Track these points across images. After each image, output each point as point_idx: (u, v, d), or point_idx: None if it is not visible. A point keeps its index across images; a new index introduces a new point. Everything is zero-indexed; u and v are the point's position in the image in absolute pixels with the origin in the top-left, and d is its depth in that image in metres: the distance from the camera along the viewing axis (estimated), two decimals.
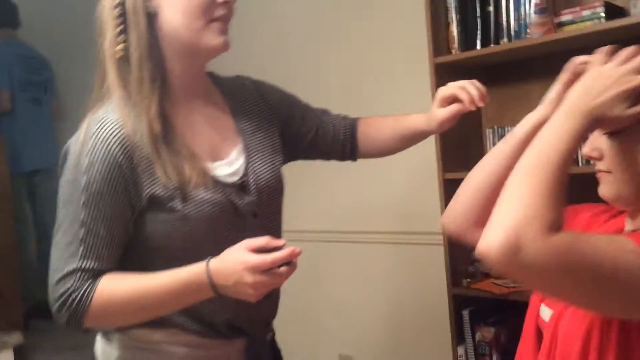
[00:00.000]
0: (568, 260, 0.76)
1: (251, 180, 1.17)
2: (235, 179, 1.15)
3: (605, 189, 0.99)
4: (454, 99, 1.25)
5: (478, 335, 2.05)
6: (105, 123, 1.05)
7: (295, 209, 2.83)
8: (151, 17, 1.08)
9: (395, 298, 2.60)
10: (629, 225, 1.00)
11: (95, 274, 1.04)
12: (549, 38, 1.88)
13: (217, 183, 1.11)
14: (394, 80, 2.51)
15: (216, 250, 1.03)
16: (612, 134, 0.95)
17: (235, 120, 1.22)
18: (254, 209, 1.16)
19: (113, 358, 1.15)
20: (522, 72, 2.16)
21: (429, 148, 2.15)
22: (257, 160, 1.20)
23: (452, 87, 1.24)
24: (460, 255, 2.14)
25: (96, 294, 1.03)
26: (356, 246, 2.71)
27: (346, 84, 2.68)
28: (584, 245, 0.78)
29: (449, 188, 2.11)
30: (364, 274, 2.71)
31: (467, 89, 1.21)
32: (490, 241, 0.75)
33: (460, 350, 2.09)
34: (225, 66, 1.28)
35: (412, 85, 2.39)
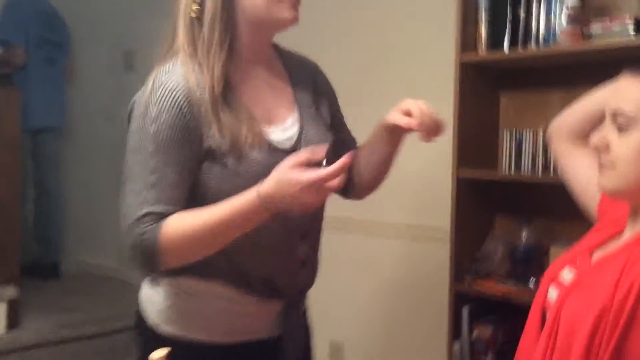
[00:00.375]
0: None
1: (302, 148, 1.19)
2: (288, 144, 1.19)
3: (605, 181, 1.01)
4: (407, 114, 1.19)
5: (475, 333, 2.08)
6: (172, 75, 1.10)
7: None
8: None
9: (395, 289, 2.62)
10: (629, 229, 1.03)
11: (163, 214, 1.08)
12: (577, 48, 1.90)
13: (270, 146, 1.15)
14: (418, 76, 2.52)
15: None
16: (621, 128, 0.97)
17: (294, 90, 1.26)
18: None
19: (156, 302, 1.21)
20: (544, 78, 2.18)
21: (445, 145, 2.17)
22: (310, 129, 1.24)
23: (413, 104, 1.18)
24: (465, 252, 2.17)
25: (164, 232, 1.06)
26: (361, 235, 2.73)
27: (369, 79, 2.69)
28: None
29: (462, 186, 2.14)
30: (366, 263, 2.73)
31: (424, 114, 1.15)
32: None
33: (456, 346, 2.12)
34: None
35: (435, 82, 2.40)
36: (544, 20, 2.01)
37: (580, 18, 1.94)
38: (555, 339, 0.98)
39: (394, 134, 1.24)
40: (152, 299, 1.23)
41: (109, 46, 4.03)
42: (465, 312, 2.10)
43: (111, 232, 4.12)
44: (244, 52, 1.17)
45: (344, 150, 1.14)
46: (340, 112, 1.42)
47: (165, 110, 1.08)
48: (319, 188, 1.01)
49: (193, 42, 1.12)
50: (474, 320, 2.09)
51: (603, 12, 2.06)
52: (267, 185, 1.04)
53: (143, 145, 1.09)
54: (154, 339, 1.18)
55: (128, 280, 3.84)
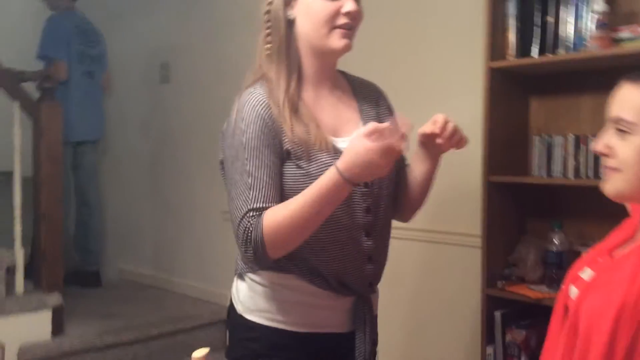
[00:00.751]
0: None
1: None
2: None
3: (611, 186, 1.05)
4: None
5: (508, 337, 2.09)
6: (253, 94, 1.33)
7: None
8: (290, 23, 1.35)
9: (428, 294, 2.64)
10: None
11: (264, 209, 1.25)
12: (607, 52, 1.91)
13: (337, 151, 1.32)
14: (448, 82, 2.55)
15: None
16: (623, 134, 1.00)
17: (359, 107, 1.45)
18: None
19: (242, 293, 1.41)
20: (574, 84, 2.19)
21: (474, 151, 2.20)
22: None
23: (439, 115, 1.37)
24: (497, 257, 2.19)
25: (265, 225, 1.23)
26: (393, 241, 2.75)
27: (400, 84, 2.72)
28: None
29: (492, 190, 2.16)
30: (397, 269, 2.75)
31: (447, 122, 1.35)
32: None
33: (489, 350, 2.13)
34: None
35: (465, 88, 2.42)
36: (573, 26, 2.03)
37: (609, 23, 1.95)
38: (576, 334, 1.01)
39: (429, 151, 1.41)
40: (240, 291, 1.42)
41: (144, 59, 4.15)
42: (498, 316, 2.12)
43: (149, 241, 4.25)
44: (310, 76, 1.39)
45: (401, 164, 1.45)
46: None
47: (252, 122, 1.29)
48: (387, 151, 1.14)
49: (269, 71, 1.36)
50: (506, 324, 2.11)
51: (632, 18, 2.07)
52: (344, 158, 1.18)
53: (238, 156, 1.29)
54: (242, 325, 1.39)
55: (165, 288, 3.95)
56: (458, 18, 2.51)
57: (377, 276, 1.46)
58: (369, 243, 1.38)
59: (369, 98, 1.49)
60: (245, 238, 1.25)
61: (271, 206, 1.26)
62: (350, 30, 1.35)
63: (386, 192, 1.42)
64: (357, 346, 1.38)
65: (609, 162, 1.05)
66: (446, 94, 2.55)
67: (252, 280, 1.40)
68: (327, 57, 1.39)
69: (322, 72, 1.40)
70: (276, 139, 1.30)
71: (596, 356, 0.96)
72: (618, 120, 1.03)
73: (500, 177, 2.15)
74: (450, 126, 1.34)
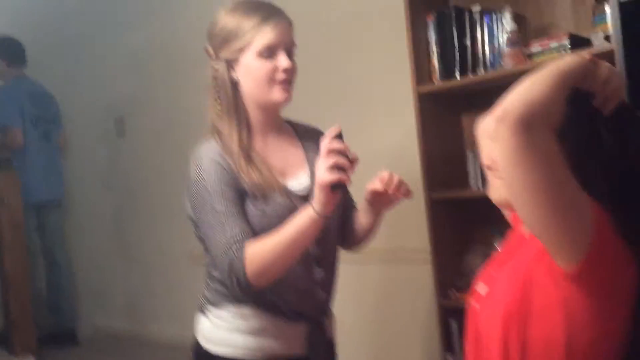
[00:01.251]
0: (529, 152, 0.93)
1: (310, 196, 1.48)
2: (303, 192, 1.49)
3: (494, 192, 1.16)
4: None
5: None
6: (208, 146, 1.47)
7: None
8: (235, 84, 1.48)
9: (385, 312, 2.73)
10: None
11: (243, 241, 1.36)
12: (520, 68, 2.05)
13: (288, 192, 1.47)
14: (383, 109, 2.69)
15: None
16: None
17: (304, 151, 1.59)
18: None
19: (205, 328, 1.51)
20: (498, 98, 2.32)
21: (415, 170, 2.32)
22: None
23: (386, 172, 1.51)
24: (447, 269, 2.29)
25: (247, 257, 1.34)
26: (345, 264, 2.85)
27: (336, 115, 2.85)
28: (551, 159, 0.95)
29: (435, 206, 2.27)
30: (353, 291, 2.84)
31: (394, 178, 1.49)
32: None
33: (450, 359, 2.23)
34: None
35: (399, 113, 2.56)
36: (489, 46, 2.18)
37: (520, 40, 2.10)
38: (481, 345, 1.11)
39: (374, 206, 1.55)
40: (202, 325, 1.52)
41: (99, 115, 4.22)
42: (454, 325, 2.22)
43: (120, 293, 4.28)
44: (258, 126, 1.52)
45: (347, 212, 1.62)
46: None
47: (212, 169, 1.42)
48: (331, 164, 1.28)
49: (221, 127, 1.49)
50: (463, 332, 2.20)
51: (541, 32, 2.23)
52: (315, 195, 1.31)
53: (205, 200, 1.40)
54: (207, 358, 1.49)
55: (141, 338, 3.97)
56: (385, 47, 2.65)
57: (329, 303, 1.58)
58: (320, 272, 1.51)
59: (312, 140, 1.60)
60: (229, 270, 1.35)
61: (247, 233, 1.37)
62: (288, 84, 1.48)
63: (334, 224, 1.54)
64: None
65: (497, 174, 1.15)
66: (382, 120, 2.68)
67: (212, 314, 1.50)
68: (270, 110, 1.52)
69: (268, 122, 1.53)
70: (234, 180, 1.42)
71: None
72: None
73: (441, 193, 2.27)
74: (395, 180, 1.48)
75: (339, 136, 1.31)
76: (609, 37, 1.83)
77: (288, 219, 1.39)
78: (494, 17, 2.16)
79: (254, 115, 1.51)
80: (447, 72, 2.27)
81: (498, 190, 1.16)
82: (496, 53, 2.16)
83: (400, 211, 2.63)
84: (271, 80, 1.45)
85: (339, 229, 1.60)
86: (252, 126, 1.51)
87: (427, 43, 2.32)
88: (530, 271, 1.04)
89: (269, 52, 1.44)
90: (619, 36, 1.66)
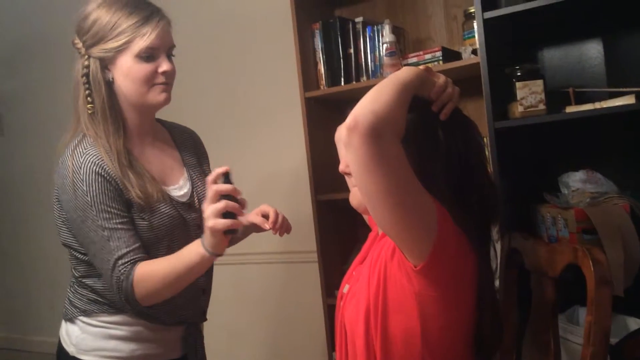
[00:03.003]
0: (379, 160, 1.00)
1: (196, 201, 1.49)
2: (185, 199, 1.49)
3: (352, 198, 1.27)
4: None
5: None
6: (87, 156, 1.37)
7: None
8: (109, 83, 1.42)
9: (277, 314, 2.79)
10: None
11: (132, 259, 1.33)
12: None
13: (172, 200, 1.45)
14: (271, 113, 2.76)
15: (170, 248, 1.39)
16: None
17: (181, 155, 1.57)
18: (199, 222, 1.46)
19: (74, 334, 1.46)
20: None
21: (303, 174, 2.40)
22: (200, 185, 1.54)
23: (269, 209, 1.57)
24: (333, 268, 2.39)
25: (136, 275, 1.32)
26: (235, 267, 2.89)
27: (226, 119, 2.88)
28: (398, 164, 1.02)
29: (322, 208, 2.36)
30: (245, 294, 2.89)
31: (277, 215, 1.55)
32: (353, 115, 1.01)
33: (335, 356, 2.31)
34: None
35: (289, 118, 2.63)
36: (370, 56, 2.31)
37: (399, 51, 2.24)
38: (346, 341, 1.20)
39: (255, 227, 1.59)
40: (71, 334, 1.47)
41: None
42: None
43: None
44: (134, 131, 1.47)
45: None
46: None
47: (93, 181, 1.34)
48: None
49: (94, 129, 1.41)
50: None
51: (418, 45, 2.39)
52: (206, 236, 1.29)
53: (86, 215, 1.33)
54: None
55: (20, 349, 3.78)
56: (275, 56, 2.73)
57: (207, 305, 1.61)
58: (203, 278, 1.49)
59: (188, 145, 1.60)
60: (117, 287, 1.32)
61: (135, 250, 1.34)
62: (167, 85, 1.45)
63: None
64: None
65: (352, 180, 1.24)
66: (273, 125, 2.75)
67: (84, 322, 1.45)
68: (148, 112, 1.48)
69: (144, 126, 1.48)
70: (118, 191, 1.36)
71: (361, 355, 1.13)
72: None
73: (327, 195, 2.36)
74: (280, 219, 1.53)
75: (227, 176, 1.28)
76: (476, 50, 2.00)
77: (173, 226, 1.40)
78: (375, 28, 2.29)
79: (130, 117, 1.45)
80: (333, 79, 2.37)
81: (356, 196, 1.24)
82: (377, 62, 2.29)
83: (291, 213, 2.73)
84: (151, 82, 1.41)
85: None
86: (128, 130, 1.45)
87: (314, 51, 2.41)
88: (386, 268, 1.12)
89: (149, 55, 1.39)
90: (483, 49, 1.82)
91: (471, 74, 1.99)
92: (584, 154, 1.99)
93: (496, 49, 1.85)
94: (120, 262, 1.32)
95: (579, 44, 2.05)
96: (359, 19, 2.33)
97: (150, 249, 1.39)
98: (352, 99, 2.44)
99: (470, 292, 1.13)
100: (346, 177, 1.29)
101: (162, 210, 1.40)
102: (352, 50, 2.34)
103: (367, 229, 2.49)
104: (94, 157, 1.36)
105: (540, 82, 1.81)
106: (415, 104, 1.11)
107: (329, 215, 2.40)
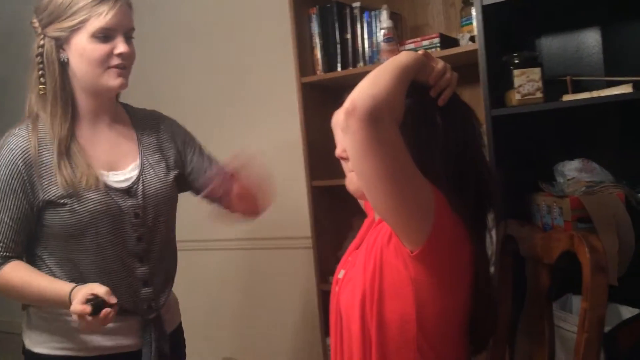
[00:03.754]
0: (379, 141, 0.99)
1: (139, 188, 1.43)
2: (124, 185, 1.42)
3: (349, 183, 1.26)
4: None
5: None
6: (16, 137, 1.35)
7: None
8: (64, 64, 1.38)
9: (274, 298, 2.80)
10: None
11: (3, 256, 1.32)
12: None
13: (106, 187, 1.39)
14: (268, 99, 2.74)
15: (97, 237, 1.36)
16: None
17: (139, 142, 1.51)
18: (137, 210, 1.42)
19: (26, 328, 1.45)
20: None
21: (298, 159, 2.40)
22: (149, 173, 1.48)
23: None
24: (327, 255, 2.39)
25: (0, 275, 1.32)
26: (228, 253, 2.89)
27: (223, 105, 2.87)
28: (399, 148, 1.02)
29: (317, 194, 2.35)
30: (237, 280, 2.89)
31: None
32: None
33: (329, 341, 2.31)
34: None
35: (285, 104, 2.62)
36: (368, 41, 2.29)
37: (396, 37, 2.23)
38: (342, 325, 1.19)
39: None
40: (27, 324, 1.45)
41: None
42: None
43: None
44: (86, 114, 1.42)
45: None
46: (195, 143, 1.64)
47: (5, 166, 1.33)
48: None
49: (44, 111, 1.38)
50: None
51: (416, 31, 2.37)
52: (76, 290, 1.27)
53: None
54: (34, 359, 1.41)
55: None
56: (271, 41, 2.71)
57: (156, 299, 1.49)
58: (144, 269, 1.44)
59: (149, 127, 1.55)
60: None
61: (7, 249, 1.34)
62: (124, 69, 1.40)
63: (163, 219, 1.49)
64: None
65: (349, 165, 1.23)
66: (268, 111, 2.73)
67: (35, 313, 1.43)
68: (102, 95, 1.43)
69: (99, 109, 1.44)
70: (30, 187, 1.33)
71: (356, 340, 1.13)
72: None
73: (322, 182, 2.36)
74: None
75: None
76: (474, 37, 1.99)
77: (102, 213, 1.36)
78: (373, 14, 2.27)
79: (83, 100, 1.41)
80: (329, 64, 2.36)
81: (352, 181, 1.24)
82: (374, 48, 2.27)
83: (286, 198, 2.72)
84: (106, 64, 1.37)
85: (171, 220, 1.55)
86: (78, 113, 1.41)
87: (311, 36, 2.39)
88: (382, 254, 1.12)
89: (105, 35, 1.35)
90: (481, 36, 1.81)
91: (468, 61, 1.98)
92: (580, 143, 1.99)
93: (494, 36, 1.83)
94: None
95: (577, 32, 2.04)
96: (357, 4, 2.32)
97: (75, 239, 1.36)
98: (349, 84, 2.43)
99: (466, 278, 1.13)
100: (342, 162, 1.28)
101: (89, 196, 1.35)
102: (349, 36, 2.32)
103: (361, 216, 2.49)
104: (21, 141, 1.34)
105: (538, 70, 1.80)
106: (414, 88, 1.10)
107: (324, 201, 2.39)
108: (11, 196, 1.33)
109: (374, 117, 0.98)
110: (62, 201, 1.34)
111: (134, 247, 1.42)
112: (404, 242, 1.07)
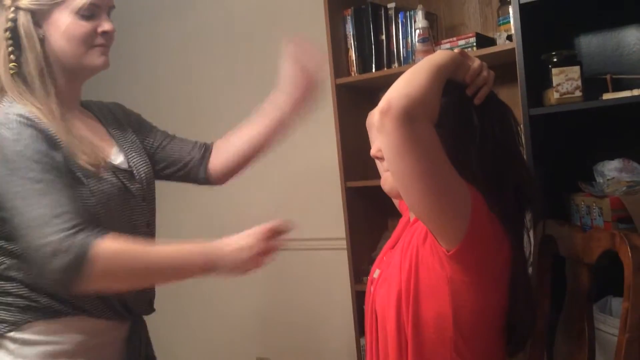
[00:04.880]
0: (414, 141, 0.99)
1: (135, 171, 1.38)
2: (124, 166, 1.36)
3: (385, 183, 1.25)
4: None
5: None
6: (14, 108, 1.19)
7: (213, 217, 3.00)
8: (42, 41, 1.26)
9: (306, 299, 2.80)
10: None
11: (86, 224, 1.11)
12: None
13: (115, 168, 1.31)
14: None
15: (113, 223, 1.21)
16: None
17: (106, 128, 1.42)
18: (143, 194, 1.37)
19: (7, 358, 1.20)
20: None
21: (332, 160, 2.40)
22: (134, 156, 1.41)
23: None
24: (362, 256, 2.39)
25: (98, 247, 1.09)
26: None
27: (256, 105, 2.89)
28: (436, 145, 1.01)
29: (351, 195, 2.36)
30: (272, 280, 2.90)
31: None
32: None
33: (363, 341, 2.31)
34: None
35: (319, 105, 2.62)
36: (402, 42, 2.29)
37: (431, 37, 2.22)
38: (377, 325, 1.19)
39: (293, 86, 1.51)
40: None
41: None
42: None
43: None
44: (64, 96, 1.30)
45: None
46: (154, 127, 1.57)
47: (25, 132, 1.15)
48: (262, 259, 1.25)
49: (19, 92, 1.22)
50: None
51: (451, 31, 2.36)
52: (226, 257, 1.21)
53: (15, 166, 1.11)
54: None
55: None
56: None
57: (153, 293, 1.42)
58: None
59: (110, 118, 1.46)
60: (53, 254, 1.06)
61: (88, 216, 1.14)
62: (106, 48, 1.32)
63: (154, 203, 1.42)
64: None
65: (384, 164, 1.22)
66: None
67: (15, 340, 1.19)
68: (82, 76, 1.35)
69: (74, 95, 1.36)
70: (55, 147, 1.18)
71: (392, 340, 1.13)
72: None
73: (356, 182, 2.36)
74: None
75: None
76: (511, 37, 1.97)
77: (114, 199, 1.24)
78: (408, 14, 2.27)
79: (61, 81, 1.29)
80: (364, 65, 2.36)
81: (387, 180, 1.23)
82: (409, 49, 2.27)
83: (320, 200, 2.74)
84: (90, 42, 1.28)
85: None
86: (60, 98, 1.28)
87: (346, 37, 2.39)
88: (417, 253, 1.11)
89: (90, 12, 1.27)
90: (519, 35, 1.79)
91: (505, 60, 1.96)
92: (621, 142, 1.95)
93: (532, 35, 1.82)
94: (69, 225, 1.08)
95: (617, 30, 2.00)
96: (392, 5, 2.31)
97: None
98: (383, 85, 2.47)
99: (503, 278, 1.12)
100: (377, 162, 1.28)
101: (104, 176, 1.24)
102: (383, 37, 2.32)
103: (396, 217, 2.49)
104: (23, 110, 1.18)
105: (577, 68, 1.78)
106: (450, 87, 1.10)
107: (358, 202, 2.39)
108: (50, 158, 1.15)
109: (410, 117, 0.98)
110: (78, 180, 1.19)
111: (143, 233, 1.32)
112: (440, 241, 1.07)
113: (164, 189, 1.53)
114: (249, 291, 2.98)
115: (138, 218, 1.33)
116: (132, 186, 1.33)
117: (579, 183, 1.84)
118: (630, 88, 1.73)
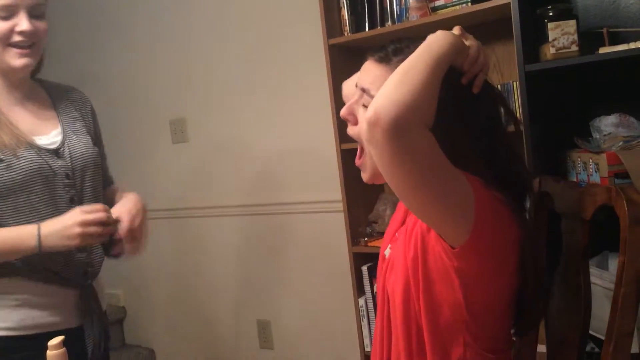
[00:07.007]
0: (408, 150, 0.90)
1: (66, 150, 1.44)
2: (53, 146, 1.44)
3: (363, 170, 1.19)
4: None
5: (376, 287, 2.30)
6: None
7: (209, 186, 2.99)
8: None
9: (306, 261, 2.82)
10: None
11: None
12: (425, 20, 2.13)
13: (34, 146, 1.40)
14: (295, 61, 2.71)
15: (30, 198, 1.35)
16: (364, 104, 1.12)
17: (57, 112, 1.52)
18: (67, 171, 1.44)
19: None
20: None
21: (327, 123, 2.38)
22: (72, 137, 1.49)
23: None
24: (357, 219, 2.38)
25: None
26: (260, 217, 2.91)
27: (250, 69, 2.85)
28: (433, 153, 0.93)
29: (347, 157, 2.34)
30: (271, 244, 2.91)
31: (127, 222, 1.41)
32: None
33: (361, 302, 2.33)
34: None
35: (312, 66, 2.60)
36: (396, 0, 2.24)
37: None
38: (388, 304, 1.16)
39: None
40: None
41: None
42: (365, 270, 2.32)
43: None
44: (4, 90, 1.43)
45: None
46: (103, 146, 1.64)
47: None
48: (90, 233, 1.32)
49: None
50: (373, 276, 2.31)
51: None
52: (48, 228, 1.31)
53: None
54: None
55: None
56: (297, 2, 2.67)
57: (92, 264, 1.50)
58: None
59: (68, 99, 1.55)
60: None
61: None
62: (29, 48, 1.38)
63: (90, 185, 1.49)
64: (86, 337, 1.44)
65: (349, 130, 1.16)
66: (296, 74, 2.71)
67: None
68: (8, 75, 1.42)
69: (11, 86, 1.43)
70: None
71: (400, 327, 1.11)
72: (365, 90, 1.11)
73: (352, 144, 2.34)
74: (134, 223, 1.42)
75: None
76: None
77: (35, 172, 1.35)
78: None
79: None
80: (357, 25, 2.32)
81: (366, 167, 1.17)
82: (403, 6, 2.22)
83: (315, 162, 2.72)
84: (6, 41, 1.34)
85: (99, 185, 1.54)
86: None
87: None
88: (423, 240, 1.06)
89: (6, 12, 1.33)
90: None
91: (501, 16, 1.93)
92: (617, 97, 1.93)
93: None
94: None
95: None
96: None
97: (7, 199, 1.34)
98: (377, 44, 2.43)
99: (513, 261, 1.07)
100: (349, 126, 1.21)
101: (23, 154, 1.35)
102: None
103: None
104: None
105: (573, 22, 1.75)
106: (446, 76, 0.98)
107: (353, 164, 2.36)
108: None
109: (401, 128, 0.86)
110: (3, 157, 1.33)
111: (66, 209, 1.38)
112: (445, 239, 1.02)
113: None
114: (246, 254, 2.99)
115: (60, 194, 1.41)
116: (54, 164, 1.41)
117: (575, 139, 1.83)
118: (627, 41, 1.71)
